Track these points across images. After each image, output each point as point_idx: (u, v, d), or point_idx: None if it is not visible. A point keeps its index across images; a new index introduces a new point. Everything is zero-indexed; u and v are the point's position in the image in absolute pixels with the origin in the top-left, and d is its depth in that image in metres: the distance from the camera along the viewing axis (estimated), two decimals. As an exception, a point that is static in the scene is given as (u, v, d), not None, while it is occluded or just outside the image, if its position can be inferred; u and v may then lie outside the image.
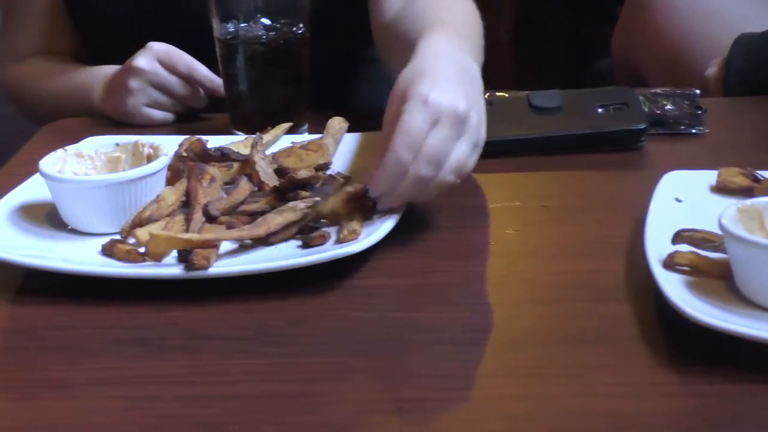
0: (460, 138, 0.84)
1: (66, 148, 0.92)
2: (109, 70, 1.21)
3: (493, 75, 1.64)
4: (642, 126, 1.04)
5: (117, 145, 0.93)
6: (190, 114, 1.19)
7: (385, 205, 0.85)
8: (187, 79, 1.16)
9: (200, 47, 1.14)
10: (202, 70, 1.16)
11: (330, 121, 1.04)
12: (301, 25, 1.10)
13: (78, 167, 0.91)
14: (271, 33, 1.09)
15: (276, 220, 0.83)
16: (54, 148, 0.92)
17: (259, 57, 1.09)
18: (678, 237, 0.77)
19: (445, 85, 0.85)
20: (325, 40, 1.15)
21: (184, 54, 1.16)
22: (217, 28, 1.09)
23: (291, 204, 0.84)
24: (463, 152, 0.85)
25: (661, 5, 1.47)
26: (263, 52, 1.09)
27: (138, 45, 1.17)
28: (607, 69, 1.79)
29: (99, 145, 0.94)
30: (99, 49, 1.31)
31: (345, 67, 1.32)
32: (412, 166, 0.82)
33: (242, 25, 1.09)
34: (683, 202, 0.85)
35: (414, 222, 0.87)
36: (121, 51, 1.19)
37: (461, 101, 0.84)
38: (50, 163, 0.89)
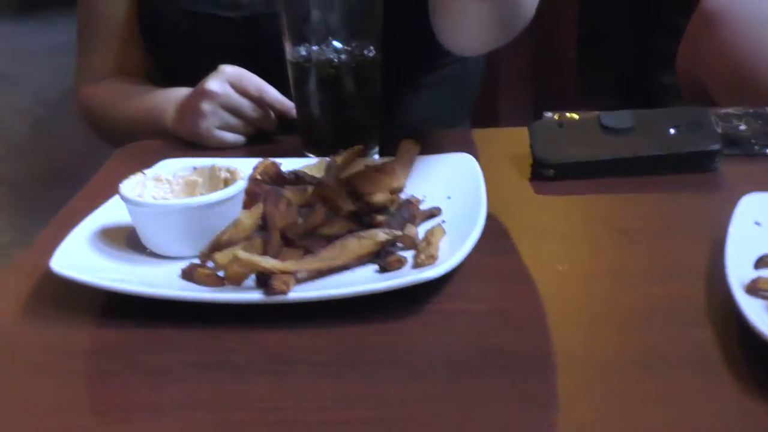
0: None
1: (145, 171, 0.94)
2: (182, 92, 1.23)
3: (559, 91, 1.65)
4: (716, 147, 1.03)
5: (194, 168, 0.94)
6: (262, 136, 1.20)
7: None
8: (258, 101, 1.18)
9: (271, 70, 1.15)
10: (272, 93, 1.18)
11: (402, 143, 1.05)
12: (372, 48, 1.11)
13: (156, 191, 0.93)
14: (342, 56, 1.10)
15: (354, 248, 0.83)
16: (129, 171, 0.93)
17: (331, 80, 1.10)
18: (761, 262, 0.76)
19: None
20: (395, 61, 1.15)
21: (254, 77, 1.17)
22: (290, 51, 1.10)
23: (370, 232, 0.85)
24: None
25: (730, 20, 1.45)
26: (335, 74, 1.10)
27: (210, 67, 1.19)
28: (673, 84, 1.78)
29: (176, 168, 0.95)
30: (171, 70, 1.33)
31: (414, 89, 1.33)
32: None
33: (314, 48, 1.10)
34: (762, 225, 0.85)
35: (487, 245, 0.87)
36: (194, 73, 1.21)
37: None
38: (130, 186, 0.91)
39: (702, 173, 1.04)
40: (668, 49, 1.75)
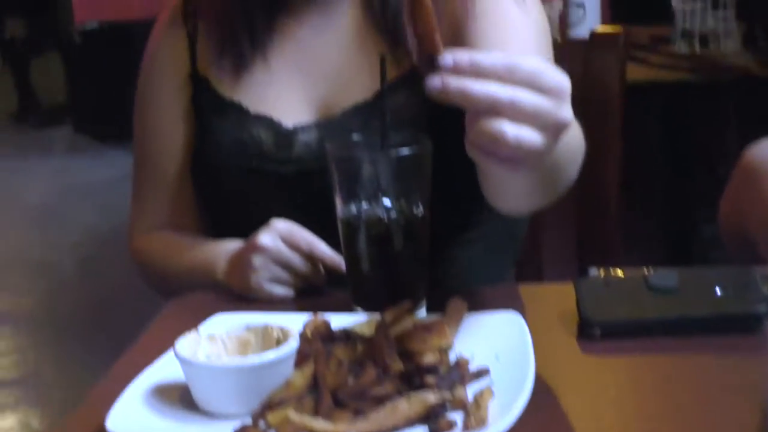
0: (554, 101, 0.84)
1: (198, 329, 0.96)
2: (233, 245, 1.26)
3: (602, 242, 1.67)
4: (763, 309, 1.04)
5: (247, 327, 0.96)
6: (311, 290, 1.22)
7: (453, 86, 0.83)
8: (309, 256, 1.20)
9: (322, 224, 1.18)
10: (322, 248, 1.20)
11: (450, 301, 1.06)
12: (420, 205, 1.14)
13: (210, 349, 0.94)
14: (392, 213, 1.12)
15: (404, 410, 0.84)
16: (182, 324, 0.96)
17: (380, 237, 1.13)
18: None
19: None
20: (443, 217, 1.18)
21: (305, 232, 1.20)
22: (340, 208, 1.13)
23: (420, 394, 0.86)
24: (548, 102, 0.84)
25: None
26: (385, 232, 1.13)
27: (261, 221, 1.22)
28: (715, 235, 1.79)
29: (229, 326, 0.97)
30: (223, 223, 1.36)
31: (461, 244, 1.35)
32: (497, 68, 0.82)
33: (364, 205, 1.13)
34: (811, 392, 0.85)
35: (534, 405, 0.87)
36: (245, 226, 1.24)
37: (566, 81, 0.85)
38: (185, 345, 0.93)
39: (749, 335, 1.04)
40: (710, 199, 1.76)
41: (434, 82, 0.84)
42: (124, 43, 5.63)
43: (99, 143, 6.24)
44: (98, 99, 6.18)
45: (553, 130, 0.86)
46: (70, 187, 5.51)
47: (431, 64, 0.84)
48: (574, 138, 1.08)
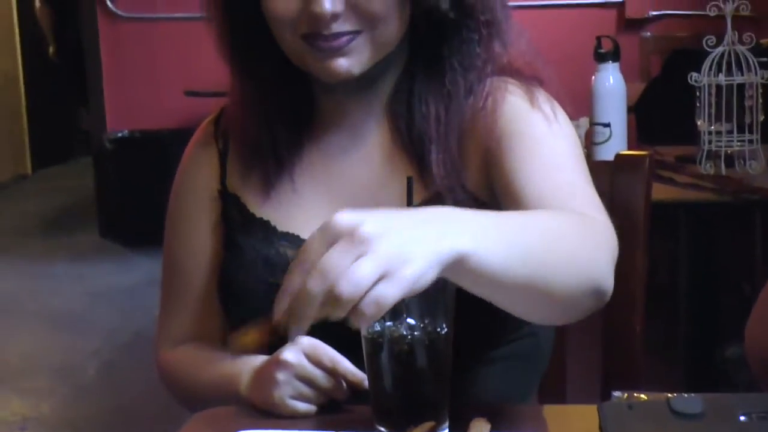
0: (362, 257, 0.86)
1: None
2: (257, 360, 1.26)
3: (626, 364, 1.66)
4: (788, 438, 1.03)
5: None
6: (334, 406, 1.22)
7: (293, 331, 0.87)
8: (332, 372, 1.21)
9: (345, 341, 1.19)
10: (345, 364, 1.21)
11: (473, 421, 1.06)
12: (444, 325, 1.14)
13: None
14: (416, 333, 1.13)
15: None
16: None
17: (403, 355, 1.13)
18: None
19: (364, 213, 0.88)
20: (467, 336, 1.18)
21: (328, 348, 1.21)
22: (365, 327, 1.14)
23: None
24: (363, 270, 0.86)
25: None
26: (408, 350, 1.13)
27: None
28: (740, 357, 1.78)
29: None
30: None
31: (485, 363, 1.35)
32: (306, 281, 0.85)
33: (388, 323, 1.13)
34: None
35: None
36: None
37: (369, 223, 0.86)
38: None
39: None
40: (735, 319, 1.76)
41: None
42: (154, 150, 5.72)
43: (124, 249, 6.28)
44: (125, 205, 6.25)
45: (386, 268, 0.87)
46: (94, 291, 5.54)
47: None
48: (564, 239, 1.06)
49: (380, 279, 0.88)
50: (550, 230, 1.06)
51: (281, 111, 1.37)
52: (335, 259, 0.87)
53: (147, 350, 1.46)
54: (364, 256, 0.87)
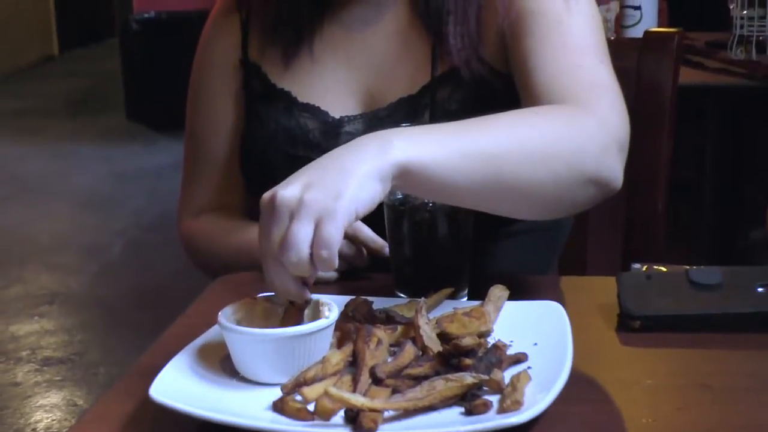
0: (293, 221, 0.92)
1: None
2: None
3: (647, 242, 1.67)
4: (804, 308, 1.04)
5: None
6: (354, 273, 1.24)
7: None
8: (352, 239, 1.22)
9: None
10: (366, 232, 1.22)
11: (492, 288, 1.07)
12: (465, 194, 1.14)
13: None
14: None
15: (441, 390, 0.85)
16: (226, 302, 0.98)
17: (425, 224, 1.14)
18: None
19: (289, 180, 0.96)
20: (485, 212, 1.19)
21: None
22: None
23: (458, 375, 0.87)
24: (293, 230, 0.91)
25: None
26: (429, 218, 1.14)
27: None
28: (762, 240, 1.79)
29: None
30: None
31: (505, 235, 1.36)
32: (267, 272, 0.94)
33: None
34: None
35: (572, 393, 0.88)
36: None
37: (282, 191, 0.93)
38: (230, 312, 0.95)
39: (789, 332, 1.04)
40: (758, 202, 1.76)
41: None
42: (180, 31, 5.69)
43: (151, 131, 6.31)
44: (152, 87, 6.24)
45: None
46: (121, 173, 5.58)
47: None
48: (539, 138, 1.07)
49: (318, 225, 0.92)
50: (519, 130, 1.07)
51: None
52: (272, 236, 0.93)
53: (173, 231, 1.48)
54: (293, 219, 0.92)
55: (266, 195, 0.95)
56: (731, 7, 2.72)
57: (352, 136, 1.31)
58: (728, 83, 2.56)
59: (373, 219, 1.17)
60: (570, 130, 1.09)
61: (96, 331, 3.59)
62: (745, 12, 2.69)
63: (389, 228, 1.17)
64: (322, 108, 1.35)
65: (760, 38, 2.66)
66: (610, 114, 1.14)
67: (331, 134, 1.33)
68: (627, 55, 1.66)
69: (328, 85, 1.36)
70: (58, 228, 4.70)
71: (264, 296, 1.00)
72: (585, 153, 1.08)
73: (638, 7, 2.70)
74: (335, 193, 0.92)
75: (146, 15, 6.12)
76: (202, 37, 1.46)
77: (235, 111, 1.41)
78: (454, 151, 1.01)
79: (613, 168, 1.10)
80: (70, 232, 4.66)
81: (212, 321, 0.97)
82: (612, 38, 2.41)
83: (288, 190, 0.93)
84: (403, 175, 0.97)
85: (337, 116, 1.34)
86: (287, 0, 1.36)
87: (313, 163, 0.98)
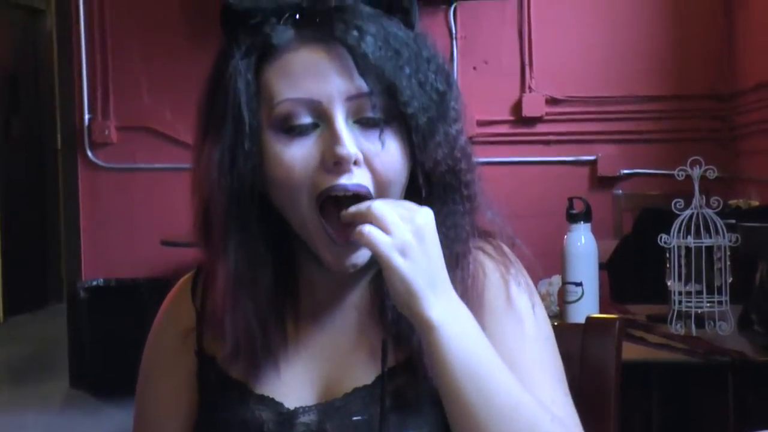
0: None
1: None
2: None
3: None
4: None
5: None
6: None
7: None
8: None
9: None
10: None
11: None
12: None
13: None
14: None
15: None
16: None
17: None
18: None
19: None
20: None
21: None
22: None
23: None
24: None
25: None
26: None
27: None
28: None
29: None
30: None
31: None
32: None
33: None
34: None
35: None
36: None
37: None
38: None
39: None
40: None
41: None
42: (129, 299, 5.70)
43: (95, 399, 6.20)
44: (97, 354, 6.19)
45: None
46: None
47: None
48: (517, 399, 1.21)
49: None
50: (508, 382, 1.22)
51: (265, 290, 1.35)
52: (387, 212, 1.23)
53: None
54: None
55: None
56: (669, 283, 2.80)
57: (306, 426, 1.31)
58: (671, 359, 2.60)
59: None
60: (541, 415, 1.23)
61: None
62: (683, 288, 2.76)
63: None
64: (277, 399, 1.35)
65: (699, 313, 2.73)
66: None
67: (285, 425, 1.33)
68: (570, 340, 1.70)
69: (284, 377, 1.36)
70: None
71: None
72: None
73: (579, 284, 2.77)
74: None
75: (95, 282, 6.14)
76: (155, 322, 1.47)
77: (187, 399, 1.41)
78: (470, 356, 1.20)
79: None
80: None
81: None
82: (556, 324, 2.47)
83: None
84: (427, 324, 1.21)
85: (291, 407, 1.34)
86: (243, 332, 1.34)
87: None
